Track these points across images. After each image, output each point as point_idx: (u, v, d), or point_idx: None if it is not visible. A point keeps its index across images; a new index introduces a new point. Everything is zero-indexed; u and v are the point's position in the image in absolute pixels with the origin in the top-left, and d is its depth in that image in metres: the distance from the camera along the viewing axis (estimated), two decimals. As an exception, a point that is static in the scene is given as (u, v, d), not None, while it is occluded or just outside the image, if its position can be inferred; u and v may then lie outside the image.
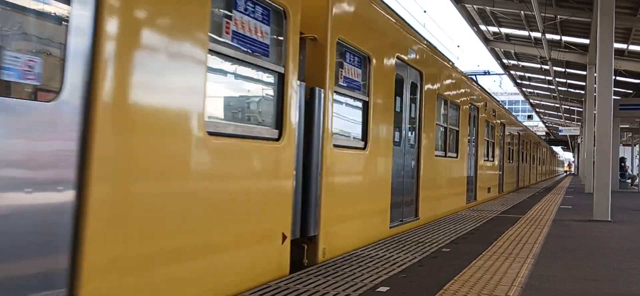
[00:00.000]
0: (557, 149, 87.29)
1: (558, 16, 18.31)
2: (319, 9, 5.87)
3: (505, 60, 29.59)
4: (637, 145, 41.86)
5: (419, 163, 9.05)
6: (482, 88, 16.22)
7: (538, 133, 53.27)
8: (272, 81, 4.95)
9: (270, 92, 5.01)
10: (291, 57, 5.03)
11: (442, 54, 10.95)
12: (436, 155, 10.05)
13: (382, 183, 7.46)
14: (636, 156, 40.81)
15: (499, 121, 18.18)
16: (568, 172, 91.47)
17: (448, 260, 5.87)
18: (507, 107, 30.61)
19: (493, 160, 17.31)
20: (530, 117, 58.31)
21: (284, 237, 4.96)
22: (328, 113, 5.79)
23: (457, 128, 12.06)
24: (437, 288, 4.59)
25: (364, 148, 6.83)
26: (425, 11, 38.23)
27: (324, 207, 5.73)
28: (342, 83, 6.32)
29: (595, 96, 11.97)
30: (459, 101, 12.13)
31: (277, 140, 4.86)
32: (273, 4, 4.86)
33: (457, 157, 11.97)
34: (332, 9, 5.95)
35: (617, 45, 17.97)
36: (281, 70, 4.92)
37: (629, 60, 22.34)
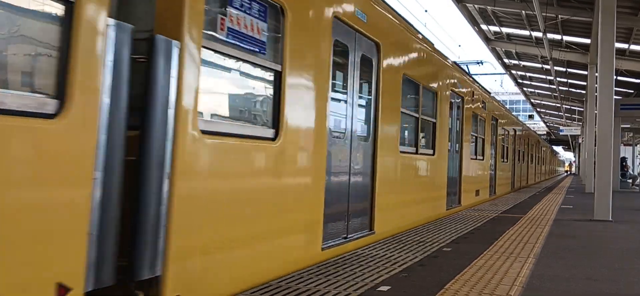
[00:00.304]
0: (558, 149, 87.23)
1: (559, 16, 18.31)
2: None
3: (506, 60, 29.58)
4: (638, 145, 41.86)
5: (375, 161, 6.97)
6: (470, 77, 14.31)
7: (539, 132, 53.29)
8: (46, 13, 2.95)
9: (36, 32, 2.96)
10: None
11: (412, 27, 8.90)
12: (402, 152, 8.07)
13: (309, 188, 5.40)
14: (637, 156, 40.83)
15: (490, 115, 16.19)
16: (569, 172, 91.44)
17: (449, 260, 5.87)
18: (508, 106, 30.31)
19: (483, 159, 15.23)
20: (531, 116, 58.37)
21: (64, 290, 2.92)
22: (186, 79, 3.64)
23: (434, 120, 9.90)
24: (438, 287, 4.59)
25: (273, 139, 4.74)
26: (426, 11, 38.29)
27: (178, 229, 3.60)
28: (224, 38, 4.17)
29: (596, 96, 11.96)
30: (436, 87, 9.92)
31: (53, 116, 2.83)
32: None
33: (433, 155, 9.85)
34: None
35: (618, 45, 17.94)
36: None
37: (630, 60, 22.33)
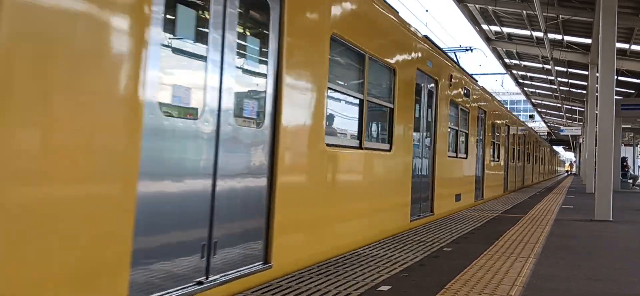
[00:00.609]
0: (559, 149, 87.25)
1: (560, 16, 18.31)
2: None
3: (507, 60, 29.60)
4: (639, 145, 41.83)
5: (276, 158, 4.72)
6: (449, 58, 11.41)
7: (540, 132, 53.30)
8: None
9: None
10: None
11: None
12: (332, 145, 5.83)
13: (86, 207, 2.97)
14: (638, 156, 40.80)
15: (477, 106, 13.93)
16: (569, 172, 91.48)
17: (449, 260, 5.87)
18: (508, 106, 30.18)
19: (466, 157, 12.89)
20: (531, 116, 58.40)
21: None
22: None
23: (391, 105, 7.58)
24: (438, 287, 4.59)
25: None
26: (427, 10, 38.32)
27: None
28: None
29: (597, 96, 11.96)
30: (394, 62, 7.55)
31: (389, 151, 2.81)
32: None
33: (390, 150, 7.56)
34: None
35: (619, 45, 17.96)
36: None
37: (631, 60, 22.33)
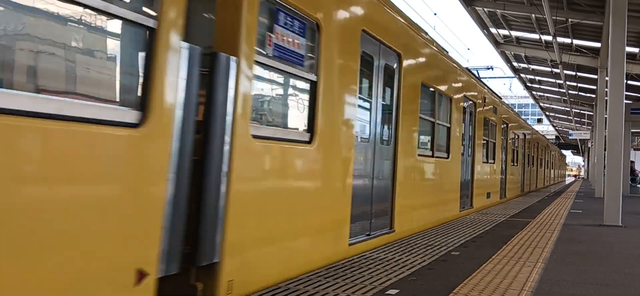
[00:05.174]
0: (567, 153, 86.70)
1: (569, 19, 18.24)
2: None
3: (515, 63, 29.50)
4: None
5: None
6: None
7: (548, 136, 53.06)
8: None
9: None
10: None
11: None
12: None
13: None
14: (647, 160, 40.53)
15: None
16: (578, 176, 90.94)
17: (458, 264, 5.85)
18: (516, 110, 29.83)
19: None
20: (540, 120, 58.18)
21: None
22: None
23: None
24: (447, 291, 4.58)
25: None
26: (435, 14, 38.35)
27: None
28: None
29: (606, 100, 11.89)
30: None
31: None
32: None
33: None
34: None
35: (629, 49, 17.85)
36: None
37: (640, 64, 22.23)
